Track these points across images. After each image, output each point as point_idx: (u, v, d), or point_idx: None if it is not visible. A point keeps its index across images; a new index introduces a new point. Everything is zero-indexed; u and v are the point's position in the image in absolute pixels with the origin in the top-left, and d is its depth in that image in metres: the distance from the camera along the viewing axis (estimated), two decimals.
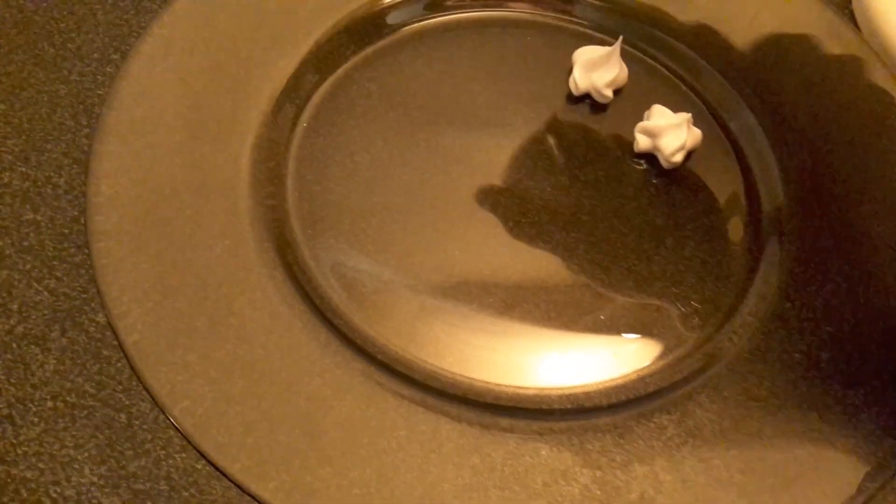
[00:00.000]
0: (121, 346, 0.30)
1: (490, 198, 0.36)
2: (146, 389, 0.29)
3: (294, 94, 0.38)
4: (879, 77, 0.39)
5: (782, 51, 0.40)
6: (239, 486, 0.28)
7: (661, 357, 0.33)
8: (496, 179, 0.37)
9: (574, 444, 0.30)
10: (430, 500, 0.28)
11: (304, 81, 0.38)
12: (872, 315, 0.34)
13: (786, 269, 0.35)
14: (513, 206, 0.36)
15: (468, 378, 0.31)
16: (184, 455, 0.29)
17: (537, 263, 0.34)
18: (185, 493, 0.28)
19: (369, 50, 0.40)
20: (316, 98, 0.38)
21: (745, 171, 0.38)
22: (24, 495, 0.28)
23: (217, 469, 0.28)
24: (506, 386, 0.31)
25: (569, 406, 0.31)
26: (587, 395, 0.31)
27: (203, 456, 0.28)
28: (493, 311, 0.33)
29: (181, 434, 0.29)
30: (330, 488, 0.28)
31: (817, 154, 0.37)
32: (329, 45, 0.39)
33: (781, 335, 0.33)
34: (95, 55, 0.39)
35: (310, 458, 0.29)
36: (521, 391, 0.31)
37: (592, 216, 0.36)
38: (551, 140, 0.38)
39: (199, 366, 0.30)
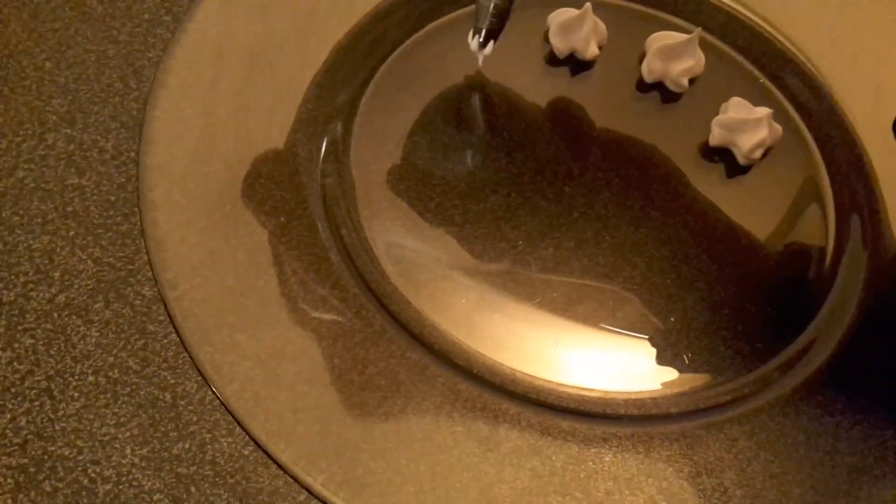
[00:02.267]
0: (171, 321, 0.28)
1: (554, 187, 0.34)
2: (195, 367, 0.27)
3: (355, 67, 0.36)
4: None
5: (865, 48, 0.38)
6: (288, 475, 0.26)
7: (734, 366, 0.31)
8: (560, 167, 0.35)
9: (640, 452, 0.28)
10: (486, 502, 0.27)
11: (365, 55, 0.36)
12: None
13: (866, 279, 0.33)
14: (579, 197, 0.34)
15: (529, 375, 0.30)
16: (230, 440, 0.28)
17: (604, 258, 0.33)
18: (231, 480, 0.27)
19: (431, 25, 0.38)
20: (377, 74, 0.36)
21: (827, 172, 0.36)
22: (61, 473, 0.27)
23: (267, 454, 0.27)
24: (569, 386, 0.30)
25: (635, 412, 0.29)
26: (654, 401, 0.30)
27: (253, 440, 0.27)
28: (557, 306, 0.31)
29: (229, 417, 0.28)
30: (381, 483, 0.27)
31: None
32: (391, 18, 0.37)
33: (861, 349, 0.31)
34: (146, 16, 0.38)
35: (361, 450, 0.27)
36: (585, 393, 0.30)
37: (663, 212, 0.34)
38: (620, 129, 0.36)
39: (249, 347, 0.29)
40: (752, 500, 0.28)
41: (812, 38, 0.39)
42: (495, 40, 0.33)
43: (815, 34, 0.39)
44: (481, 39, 0.33)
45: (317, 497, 0.26)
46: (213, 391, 0.27)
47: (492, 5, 0.32)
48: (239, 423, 0.27)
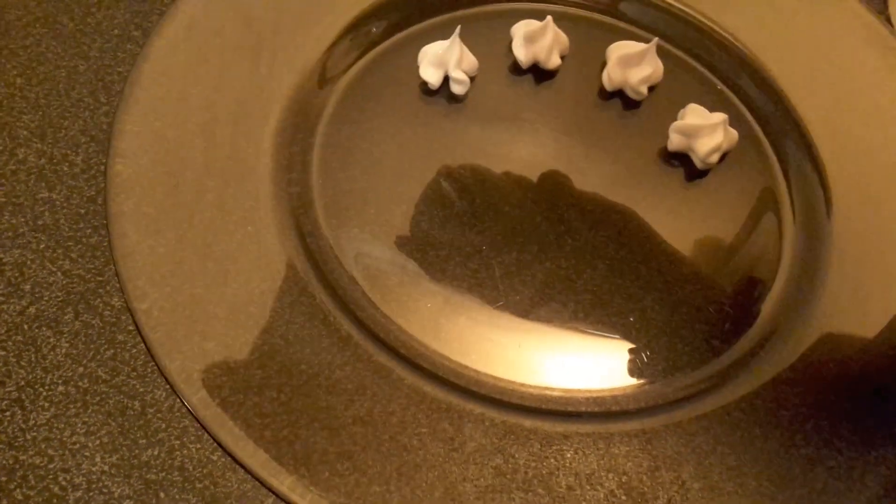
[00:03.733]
0: (139, 331, 0.29)
1: (519, 192, 0.35)
2: (163, 376, 0.28)
3: (320, 78, 0.37)
4: None
5: (821, 54, 0.39)
6: (256, 479, 0.27)
7: (691, 363, 0.32)
8: (525, 173, 0.36)
9: (600, 448, 0.29)
10: (451, 500, 0.27)
11: (330, 66, 0.37)
12: None
13: (823, 276, 0.34)
14: (541, 201, 0.35)
15: (492, 377, 0.31)
16: (199, 446, 0.28)
17: (566, 262, 0.33)
18: (199, 485, 0.28)
19: (399, 36, 0.39)
20: (342, 84, 0.37)
21: (781, 174, 0.37)
22: (32, 482, 0.27)
23: (235, 460, 0.27)
24: (531, 386, 0.31)
25: (595, 409, 0.30)
26: (615, 398, 0.31)
27: (220, 446, 0.27)
28: (520, 308, 0.32)
29: (198, 424, 0.28)
30: (349, 485, 0.27)
31: (859, 160, 0.36)
32: (357, 30, 0.38)
33: (817, 346, 0.32)
34: (116, 31, 0.38)
35: (329, 452, 0.28)
36: (547, 392, 0.31)
37: (623, 215, 0.35)
38: (581, 136, 0.37)
39: (217, 354, 0.29)
40: (710, 493, 0.28)
41: (767, 45, 0.40)
42: None
43: (771, 41, 0.40)
44: None
45: (284, 500, 0.26)
46: (182, 400, 0.28)
47: None
48: (207, 431, 0.28)
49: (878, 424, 0.30)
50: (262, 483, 0.27)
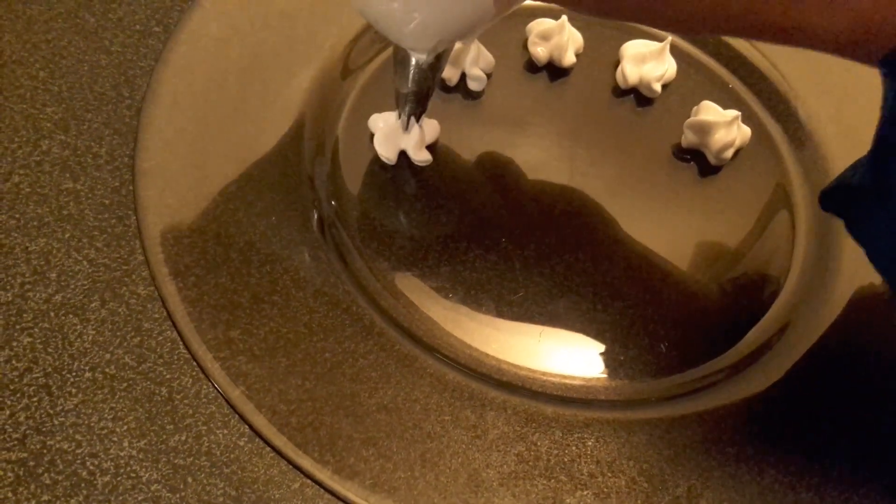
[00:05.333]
0: (170, 318, 0.29)
1: (537, 188, 0.36)
2: (195, 361, 0.28)
3: (342, 72, 0.37)
4: None
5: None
6: (285, 459, 0.27)
7: (709, 353, 0.32)
8: (542, 169, 0.36)
9: (621, 437, 0.29)
10: (474, 486, 0.28)
11: (353, 59, 0.38)
12: None
13: (832, 268, 0.34)
14: (559, 197, 0.36)
15: (514, 365, 0.31)
16: (225, 431, 0.29)
17: (584, 254, 0.34)
18: (227, 470, 0.28)
19: None
20: (361, 80, 0.37)
21: (793, 170, 0.37)
22: (60, 466, 0.28)
23: (265, 441, 0.27)
24: (552, 375, 0.31)
25: (615, 398, 0.31)
26: (634, 388, 0.31)
27: (251, 428, 0.28)
28: (540, 300, 0.33)
29: (224, 409, 0.29)
30: (373, 470, 0.28)
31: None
32: None
33: (831, 337, 0.33)
34: (137, 27, 0.39)
35: (353, 439, 0.28)
36: (568, 381, 0.31)
37: (640, 210, 0.35)
38: (596, 132, 0.38)
39: (243, 343, 0.30)
40: (730, 481, 0.29)
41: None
42: (418, 121, 0.34)
43: None
44: (404, 122, 0.34)
45: (311, 480, 0.27)
46: (213, 384, 0.28)
47: (407, 93, 0.32)
48: (238, 414, 0.28)
49: None
50: (291, 462, 0.27)
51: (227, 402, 0.28)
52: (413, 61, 0.31)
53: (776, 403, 0.31)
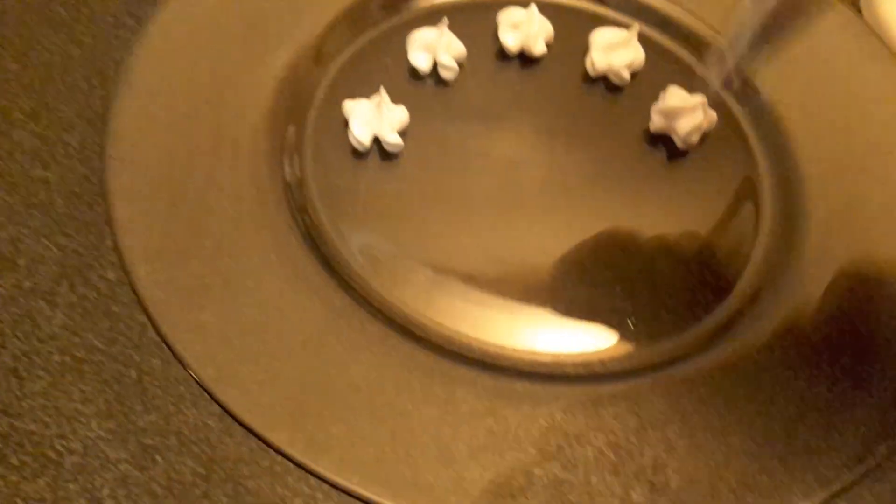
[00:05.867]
0: (140, 302, 0.30)
1: (507, 172, 0.36)
2: (165, 343, 0.29)
3: (313, 63, 0.38)
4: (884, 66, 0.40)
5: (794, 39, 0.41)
6: (256, 437, 0.27)
7: (675, 327, 0.33)
8: (513, 155, 0.37)
9: (588, 410, 0.30)
10: (445, 459, 0.28)
11: (323, 51, 0.38)
12: (881, 294, 0.34)
13: (800, 246, 0.35)
14: (529, 181, 0.36)
15: (483, 342, 0.31)
16: (195, 411, 0.29)
17: (553, 235, 0.34)
18: (196, 449, 0.28)
19: (385, 26, 0.40)
20: (334, 68, 0.38)
21: (758, 152, 0.38)
22: (28, 448, 0.28)
23: (236, 420, 0.28)
24: (522, 351, 0.31)
25: (583, 372, 0.31)
26: (602, 362, 0.31)
27: (221, 407, 0.28)
28: (510, 278, 0.33)
29: (194, 390, 0.29)
30: (344, 446, 0.28)
31: (833, 137, 0.38)
32: (352, 15, 0.39)
33: (795, 313, 0.33)
34: (109, 19, 0.39)
35: (324, 417, 0.28)
36: (537, 357, 0.31)
37: (609, 192, 0.36)
38: (566, 119, 0.38)
39: (214, 325, 0.30)
40: (695, 451, 0.29)
41: None
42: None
43: None
44: (727, 72, 0.32)
45: (282, 455, 0.27)
46: (183, 366, 0.28)
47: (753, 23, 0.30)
48: (208, 393, 0.28)
49: (855, 385, 0.31)
50: (261, 439, 0.27)
51: (198, 382, 0.29)
52: None
53: (740, 376, 0.31)
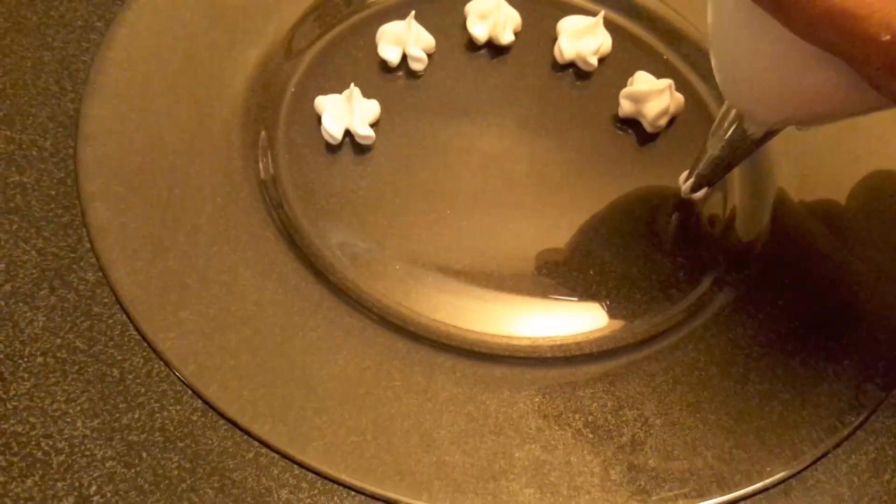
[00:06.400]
0: (118, 302, 0.30)
1: (479, 161, 0.37)
2: (146, 341, 0.29)
3: (283, 58, 0.38)
4: None
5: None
6: (240, 429, 0.28)
7: (649, 308, 0.33)
8: (484, 144, 0.37)
9: (566, 392, 0.30)
10: (426, 446, 0.29)
11: (292, 47, 0.38)
12: (851, 271, 0.35)
13: (766, 227, 0.36)
14: (501, 170, 0.36)
15: (462, 329, 0.32)
16: (178, 408, 0.29)
17: (528, 223, 0.35)
18: (181, 444, 0.28)
19: (354, 19, 0.40)
20: (304, 64, 0.38)
21: None
22: (15, 448, 0.28)
23: (220, 414, 0.28)
24: (499, 337, 0.32)
25: (560, 355, 0.32)
26: (578, 345, 0.32)
27: (203, 401, 0.28)
28: (486, 267, 0.34)
29: (177, 387, 0.29)
30: (326, 437, 0.28)
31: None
32: (320, 9, 0.39)
33: (764, 287, 0.34)
34: (79, 23, 0.39)
35: (306, 408, 0.29)
36: (514, 342, 0.32)
37: (580, 177, 0.37)
38: (536, 106, 0.39)
39: (193, 322, 0.30)
40: (671, 428, 0.30)
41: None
42: (708, 188, 0.35)
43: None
44: (692, 183, 0.34)
45: (267, 447, 0.27)
46: (164, 363, 0.29)
47: (712, 156, 0.32)
48: (191, 389, 0.29)
49: (827, 359, 0.32)
50: (245, 431, 0.28)
51: (180, 378, 0.29)
52: (737, 127, 0.30)
53: (714, 353, 0.32)
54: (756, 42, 0.25)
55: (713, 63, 0.29)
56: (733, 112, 0.31)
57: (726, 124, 0.31)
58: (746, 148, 0.31)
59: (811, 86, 0.24)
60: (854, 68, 0.22)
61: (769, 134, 0.30)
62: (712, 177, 0.34)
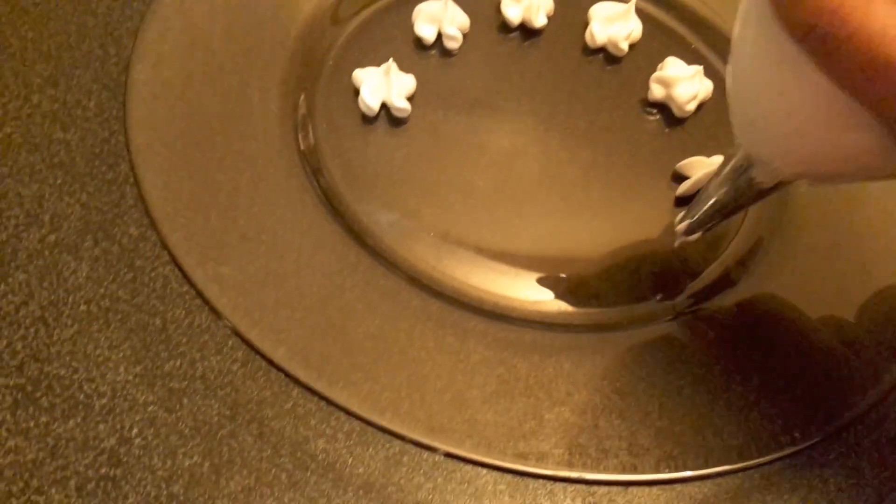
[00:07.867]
0: (169, 253, 0.31)
1: (511, 138, 0.37)
2: (193, 288, 0.30)
3: (329, 23, 0.39)
4: None
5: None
6: (282, 372, 0.29)
7: (678, 284, 0.34)
8: (515, 124, 0.38)
9: (596, 359, 0.31)
10: (458, 404, 0.29)
11: (342, 9, 0.39)
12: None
13: (789, 211, 0.37)
14: (532, 146, 0.37)
15: (493, 294, 0.33)
16: (219, 358, 0.30)
17: (558, 197, 0.36)
18: (221, 392, 0.29)
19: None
20: (343, 38, 0.39)
21: None
22: (58, 390, 0.29)
23: (265, 359, 0.29)
24: (530, 303, 0.33)
25: (591, 323, 0.32)
26: (608, 314, 0.33)
27: (250, 346, 0.29)
28: (517, 236, 0.34)
29: (217, 338, 0.30)
30: (362, 392, 0.29)
31: None
32: None
33: (793, 277, 0.35)
34: None
35: (342, 364, 0.30)
36: (545, 308, 0.33)
37: (609, 159, 0.37)
38: (566, 88, 0.40)
39: (232, 278, 0.31)
40: (697, 396, 0.31)
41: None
42: (703, 232, 0.32)
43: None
44: (686, 227, 0.32)
45: (309, 391, 0.28)
46: (210, 308, 0.30)
47: (713, 200, 0.30)
48: (237, 334, 0.29)
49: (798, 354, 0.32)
50: (289, 376, 0.29)
51: (230, 328, 0.30)
52: (745, 174, 0.27)
53: (737, 328, 0.33)
54: (784, 83, 0.22)
55: (729, 99, 0.26)
56: (744, 156, 0.28)
57: (734, 168, 0.28)
58: (751, 196, 0.29)
59: (838, 142, 0.21)
60: None
61: (779, 185, 0.27)
62: (709, 221, 0.31)
